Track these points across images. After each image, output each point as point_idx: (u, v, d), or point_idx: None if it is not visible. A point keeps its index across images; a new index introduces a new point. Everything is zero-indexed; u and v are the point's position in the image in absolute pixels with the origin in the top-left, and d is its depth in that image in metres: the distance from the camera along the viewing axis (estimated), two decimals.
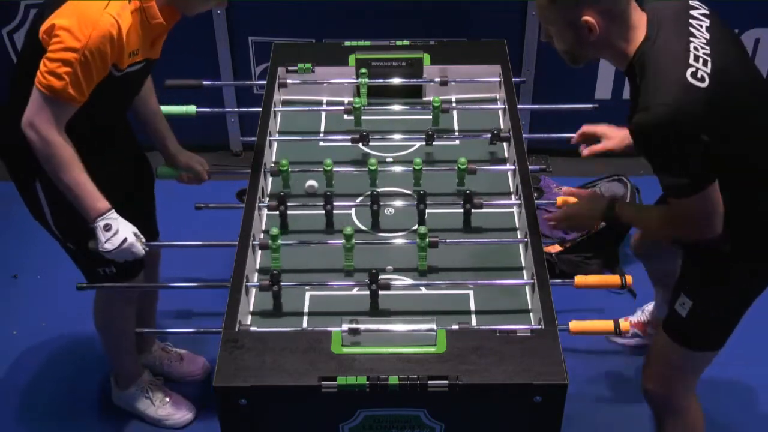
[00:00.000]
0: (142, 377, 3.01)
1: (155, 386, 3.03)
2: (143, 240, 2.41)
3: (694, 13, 2.15)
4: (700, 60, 2.03)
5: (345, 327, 2.11)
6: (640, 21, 2.10)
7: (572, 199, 2.54)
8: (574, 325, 2.25)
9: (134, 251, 2.37)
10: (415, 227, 2.52)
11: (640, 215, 2.43)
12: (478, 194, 2.55)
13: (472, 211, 2.51)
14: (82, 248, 2.52)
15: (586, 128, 2.68)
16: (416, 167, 2.58)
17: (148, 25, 2.32)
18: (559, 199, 2.60)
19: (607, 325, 2.26)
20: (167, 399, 3.02)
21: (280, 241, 2.36)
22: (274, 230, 2.36)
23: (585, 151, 2.68)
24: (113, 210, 2.35)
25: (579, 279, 2.36)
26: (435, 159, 2.75)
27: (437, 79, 2.95)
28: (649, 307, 3.17)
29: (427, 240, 2.35)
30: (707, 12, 2.18)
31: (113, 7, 2.21)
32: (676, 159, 2.02)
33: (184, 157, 2.77)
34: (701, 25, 2.12)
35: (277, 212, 2.51)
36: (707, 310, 2.31)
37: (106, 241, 2.34)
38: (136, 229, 2.40)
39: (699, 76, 2.01)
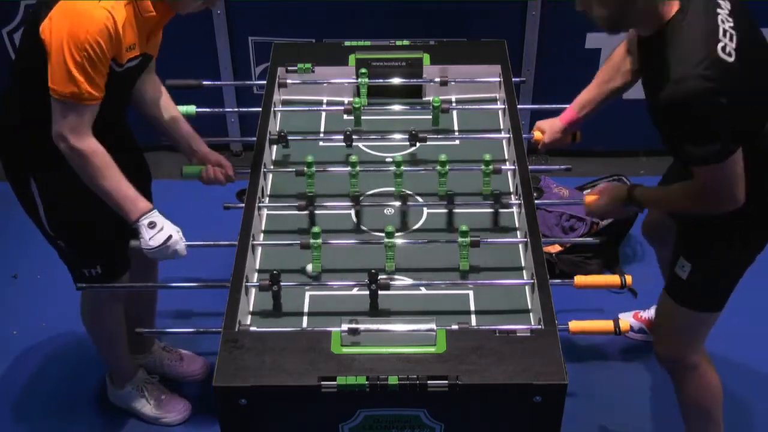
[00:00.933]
0: (137, 376, 3.01)
1: (150, 384, 3.03)
2: (184, 241, 2.41)
3: None
4: (728, 35, 2.07)
5: (345, 327, 2.11)
6: None
7: (594, 197, 2.53)
8: (574, 325, 2.25)
9: (178, 249, 2.38)
10: (416, 227, 2.52)
11: (663, 194, 2.44)
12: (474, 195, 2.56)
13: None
14: (71, 248, 2.53)
15: (535, 130, 2.74)
16: (441, 169, 2.59)
17: (141, 18, 2.33)
18: (587, 199, 2.56)
19: (607, 325, 2.26)
20: (163, 397, 3.03)
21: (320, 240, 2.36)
22: (316, 229, 2.36)
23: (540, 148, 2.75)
24: (155, 209, 2.37)
25: (579, 279, 2.37)
26: (433, 159, 2.74)
27: (437, 79, 2.95)
28: None
29: (468, 239, 2.36)
30: None
31: (106, 1, 2.22)
32: (707, 128, 2.06)
33: (214, 156, 2.72)
34: None
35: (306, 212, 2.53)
36: (706, 273, 2.38)
37: (150, 239, 2.34)
38: (179, 229, 2.40)
39: (727, 51, 2.05)
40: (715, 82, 2.01)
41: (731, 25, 2.10)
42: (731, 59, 2.05)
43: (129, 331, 2.86)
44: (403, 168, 2.58)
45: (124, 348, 2.94)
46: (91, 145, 2.29)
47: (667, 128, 2.15)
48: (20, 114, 2.36)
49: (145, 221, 2.35)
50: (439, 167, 2.58)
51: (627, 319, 3.19)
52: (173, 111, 2.70)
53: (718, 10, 2.11)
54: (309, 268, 2.39)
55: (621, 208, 2.46)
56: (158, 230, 2.34)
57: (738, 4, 2.17)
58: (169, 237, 2.35)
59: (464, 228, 2.36)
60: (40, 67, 2.25)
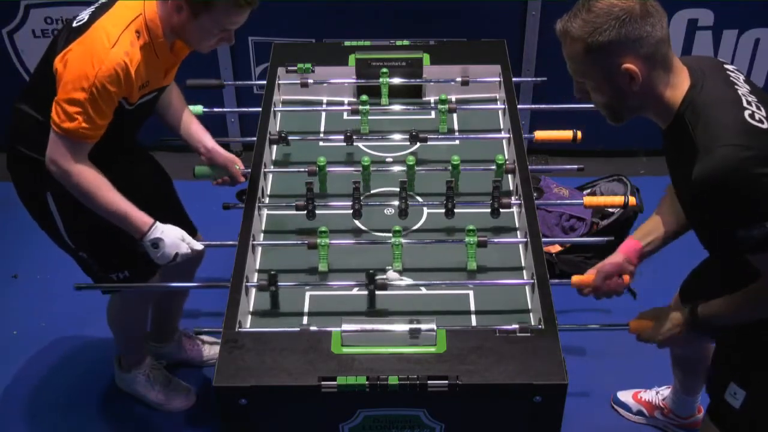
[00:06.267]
0: (145, 362, 3.03)
1: (157, 371, 3.06)
2: (190, 240, 2.43)
3: (727, 67, 2.03)
4: (753, 104, 1.90)
5: (345, 327, 2.11)
6: (681, 67, 1.96)
7: (645, 323, 2.29)
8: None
9: (187, 256, 2.42)
10: (416, 227, 2.52)
11: (727, 304, 2.08)
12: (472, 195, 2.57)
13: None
14: (93, 257, 2.55)
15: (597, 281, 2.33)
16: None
17: (157, 59, 2.34)
18: (632, 325, 2.33)
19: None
20: (168, 384, 3.06)
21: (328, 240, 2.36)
22: (323, 228, 2.36)
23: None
24: (156, 223, 2.38)
25: (576, 278, 2.34)
26: (433, 159, 2.74)
27: (458, 79, 2.94)
28: (664, 391, 2.98)
29: (476, 238, 2.35)
30: (737, 68, 2.06)
31: (121, 45, 2.23)
32: (756, 202, 1.83)
33: (221, 156, 2.68)
34: (738, 78, 2.00)
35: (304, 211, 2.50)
36: (765, 400, 2.10)
37: (158, 257, 2.39)
38: (182, 233, 2.42)
39: (757, 118, 1.87)
40: (748, 148, 1.80)
41: (755, 99, 1.92)
42: (764, 125, 1.85)
43: (154, 321, 2.94)
44: (400, 168, 2.58)
45: (142, 339, 3.00)
46: (80, 167, 2.30)
47: (709, 216, 1.90)
48: (36, 132, 2.36)
49: (147, 242, 2.37)
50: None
51: (625, 399, 3.03)
52: (185, 112, 2.70)
53: (736, 87, 1.94)
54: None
55: (685, 334, 2.18)
56: (162, 251, 2.38)
57: (755, 86, 2.00)
58: (176, 255, 2.39)
59: (471, 227, 2.36)
60: (51, 96, 2.27)
